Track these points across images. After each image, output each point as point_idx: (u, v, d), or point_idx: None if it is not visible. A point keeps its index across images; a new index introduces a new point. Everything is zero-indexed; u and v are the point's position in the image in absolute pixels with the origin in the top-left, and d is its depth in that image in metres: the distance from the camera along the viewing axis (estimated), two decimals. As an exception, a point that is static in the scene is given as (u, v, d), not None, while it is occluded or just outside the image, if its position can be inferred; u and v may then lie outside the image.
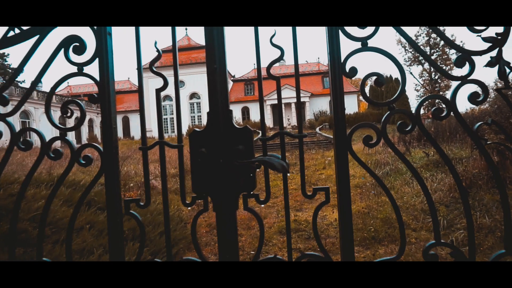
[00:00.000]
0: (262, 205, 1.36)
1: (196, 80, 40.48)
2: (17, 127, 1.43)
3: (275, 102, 40.34)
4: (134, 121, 43.07)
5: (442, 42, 39.46)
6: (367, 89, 50.43)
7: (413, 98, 45.43)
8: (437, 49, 38.96)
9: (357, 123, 1.35)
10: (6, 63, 39.61)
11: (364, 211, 6.14)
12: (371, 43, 1.30)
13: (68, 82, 47.47)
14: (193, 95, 42.59)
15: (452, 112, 1.26)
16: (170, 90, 40.02)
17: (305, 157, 15.65)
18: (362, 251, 4.74)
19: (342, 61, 1.31)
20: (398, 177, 8.51)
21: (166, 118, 43.05)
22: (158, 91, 1.40)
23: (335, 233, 5.44)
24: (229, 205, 1.33)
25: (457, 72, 1.29)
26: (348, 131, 1.33)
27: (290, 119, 40.19)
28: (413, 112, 1.33)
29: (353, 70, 1.30)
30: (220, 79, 1.34)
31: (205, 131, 1.34)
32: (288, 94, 40.20)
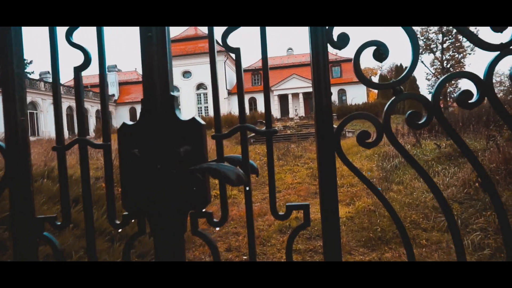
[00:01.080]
0: (217, 228, 0.99)
1: (203, 70, 39.90)
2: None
3: (283, 92, 39.80)
4: (141, 112, 42.78)
5: (455, 30, 37.99)
6: (376, 79, 49.40)
7: (424, 87, 44.40)
8: (450, 36, 37.60)
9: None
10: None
11: (371, 208, 5.75)
12: None
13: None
14: (200, 86, 42.01)
15: (486, 97, 0.86)
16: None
17: (312, 149, 15.20)
18: (368, 253, 4.36)
19: (327, 27, 0.92)
20: (407, 171, 8.07)
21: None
22: (77, 70, 1.02)
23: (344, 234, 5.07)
24: (171, 228, 0.97)
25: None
26: (336, 126, 0.95)
27: (297, 109, 39.61)
28: (430, 98, 0.94)
29: (343, 38, 0.91)
30: (158, 52, 0.96)
31: (139, 125, 0.97)
32: (296, 84, 39.60)
